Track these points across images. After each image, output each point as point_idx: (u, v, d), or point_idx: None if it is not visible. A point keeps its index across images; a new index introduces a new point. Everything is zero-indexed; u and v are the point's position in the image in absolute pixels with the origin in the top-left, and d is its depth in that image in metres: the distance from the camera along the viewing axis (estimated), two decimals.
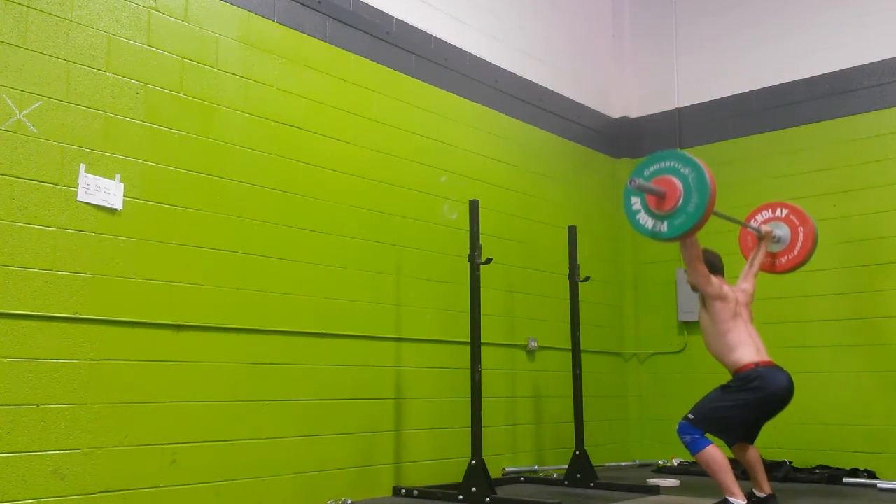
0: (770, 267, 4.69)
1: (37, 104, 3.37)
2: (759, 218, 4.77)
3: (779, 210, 4.72)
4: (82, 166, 3.48)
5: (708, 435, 3.95)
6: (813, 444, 5.67)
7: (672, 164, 3.86)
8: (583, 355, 5.35)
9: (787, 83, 6.24)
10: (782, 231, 4.67)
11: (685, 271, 4.18)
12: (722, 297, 4.11)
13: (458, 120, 5.48)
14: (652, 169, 3.94)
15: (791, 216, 4.67)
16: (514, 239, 5.75)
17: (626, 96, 7.14)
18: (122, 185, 3.61)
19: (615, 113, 7.09)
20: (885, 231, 5.63)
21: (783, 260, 4.68)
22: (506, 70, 5.96)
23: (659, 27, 7.08)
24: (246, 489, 3.89)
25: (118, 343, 3.52)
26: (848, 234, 5.77)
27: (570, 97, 6.57)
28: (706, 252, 4.23)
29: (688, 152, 3.93)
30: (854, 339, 5.66)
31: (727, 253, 4.55)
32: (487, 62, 5.80)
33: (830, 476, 5.28)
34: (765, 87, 6.36)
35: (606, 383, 6.48)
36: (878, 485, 5.07)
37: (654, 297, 6.71)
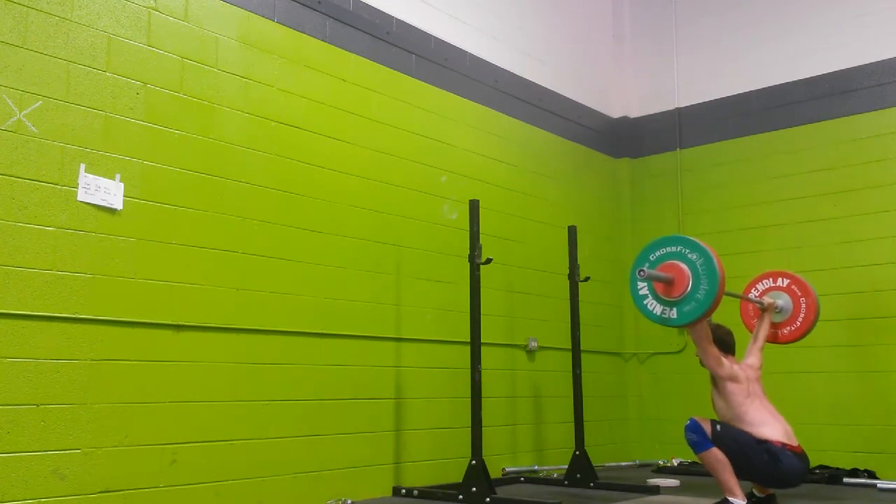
0: (773, 338, 4.69)
1: (37, 104, 3.37)
2: (760, 287, 4.78)
3: (780, 280, 4.73)
4: (82, 166, 3.48)
5: None
6: (813, 444, 5.64)
7: (679, 248, 3.85)
8: (583, 355, 5.34)
9: (787, 83, 6.24)
10: (784, 301, 4.68)
11: (696, 355, 4.12)
12: (734, 379, 4.06)
13: (458, 120, 5.48)
14: (658, 254, 3.92)
15: (792, 286, 4.68)
16: (514, 239, 5.75)
17: (626, 96, 7.14)
18: (122, 185, 3.61)
19: (615, 113, 7.09)
20: (885, 231, 5.63)
21: (786, 331, 4.69)
22: (506, 70, 5.96)
23: (659, 27, 7.08)
24: (246, 489, 3.89)
25: (118, 343, 3.52)
26: (848, 235, 5.77)
27: (570, 97, 6.57)
28: (718, 329, 4.19)
29: (694, 238, 3.91)
30: (854, 339, 5.66)
31: (731, 322, 4.49)
32: (487, 62, 5.80)
33: (830, 476, 5.28)
34: (765, 87, 6.36)
35: (606, 383, 6.48)
36: (878, 485, 5.07)
37: None
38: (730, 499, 3.87)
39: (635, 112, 7.11)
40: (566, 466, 5.16)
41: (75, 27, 3.53)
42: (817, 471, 5.45)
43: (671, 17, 7.01)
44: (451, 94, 5.46)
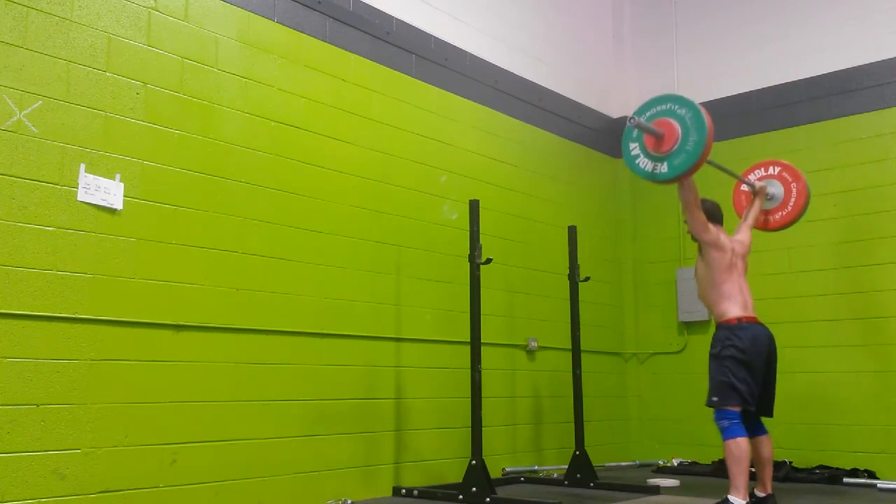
0: (763, 224, 4.74)
1: (37, 104, 3.37)
2: (753, 176, 4.81)
3: (772, 168, 4.77)
4: (82, 166, 3.48)
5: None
6: (813, 444, 5.67)
7: (669, 106, 3.90)
8: (583, 355, 5.35)
9: (787, 83, 6.24)
10: (776, 188, 4.72)
11: (684, 221, 4.21)
12: (719, 247, 4.16)
13: (458, 120, 5.48)
14: (650, 112, 3.96)
15: (784, 173, 4.72)
16: (514, 239, 5.75)
17: (626, 96, 7.13)
18: (122, 185, 3.61)
19: (615, 113, 7.08)
20: (885, 231, 5.63)
21: (777, 216, 4.73)
22: (506, 70, 5.96)
23: (659, 27, 7.08)
24: (246, 489, 3.89)
25: (118, 343, 3.52)
26: (848, 234, 5.77)
27: (570, 97, 6.57)
28: (705, 201, 4.27)
29: (685, 96, 3.94)
30: (854, 339, 5.66)
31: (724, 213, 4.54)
32: (487, 62, 5.80)
33: (830, 476, 5.28)
34: (765, 87, 6.36)
35: (606, 383, 6.48)
36: (878, 485, 5.07)
37: (654, 297, 6.71)
38: (730, 497, 3.87)
39: None
40: (566, 466, 5.17)
41: (75, 27, 3.54)
42: (817, 471, 5.45)
43: (671, 17, 7.01)
44: (451, 94, 5.46)
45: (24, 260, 3.26)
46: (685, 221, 4.21)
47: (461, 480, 4.34)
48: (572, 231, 5.40)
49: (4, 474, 3.10)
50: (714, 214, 4.30)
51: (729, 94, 6.53)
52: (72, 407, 3.34)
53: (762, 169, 4.80)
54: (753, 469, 4.17)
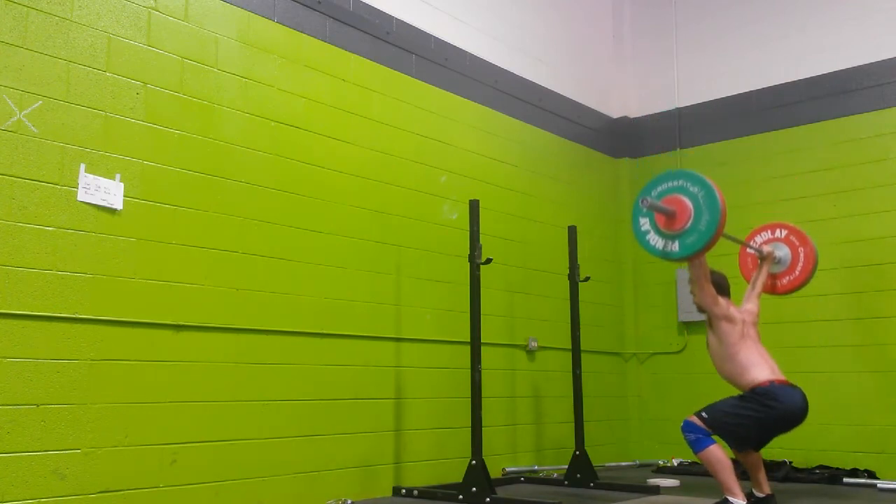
0: (771, 288, 4.68)
1: (37, 104, 3.37)
2: (759, 239, 4.77)
3: (778, 231, 4.72)
4: (82, 166, 3.48)
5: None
6: (813, 444, 5.66)
7: (681, 183, 3.84)
8: (583, 355, 5.35)
9: (787, 83, 6.24)
10: (783, 252, 4.67)
11: (691, 292, 4.16)
12: (729, 318, 4.09)
13: (458, 120, 5.48)
14: (660, 189, 3.91)
15: (791, 237, 4.67)
16: (514, 239, 5.75)
17: (625, 96, 7.14)
18: (122, 185, 3.61)
19: (615, 113, 7.09)
20: (884, 231, 5.63)
21: (784, 281, 4.67)
22: (506, 70, 5.96)
23: (659, 27, 7.08)
24: (246, 489, 3.89)
25: (118, 343, 3.52)
26: (848, 235, 5.77)
27: (570, 97, 6.57)
28: (713, 273, 4.22)
29: (696, 171, 3.91)
30: (854, 339, 5.66)
31: (730, 277, 4.50)
32: (487, 62, 5.80)
33: (830, 476, 5.28)
34: (765, 87, 6.36)
35: (606, 383, 6.48)
36: (878, 485, 5.07)
37: (654, 297, 6.71)
38: (730, 499, 3.87)
39: (635, 112, 7.11)
40: (566, 466, 5.17)
41: (75, 27, 3.54)
42: (817, 471, 5.45)
43: (671, 17, 7.01)
44: (451, 94, 5.46)
45: (24, 260, 3.26)
46: (692, 293, 4.16)
47: (461, 480, 4.34)
48: (572, 231, 5.40)
49: (4, 474, 3.10)
50: (722, 287, 4.23)
51: (729, 94, 6.54)
52: (72, 407, 3.34)
53: (768, 231, 4.75)
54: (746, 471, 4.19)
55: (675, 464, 6.02)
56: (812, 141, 6.04)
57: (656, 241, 3.89)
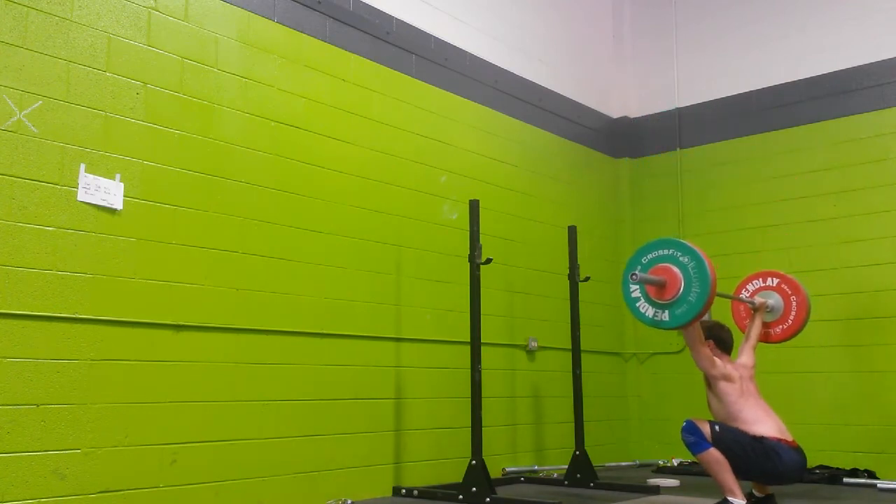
0: (764, 337, 4.68)
1: (37, 104, 3.37)
2: (751, 287, 4.78)
3: (770, 279, 4.73)
4: (82, 166, 3.48)
5: None
6: (813, 444, 5.64)
7: (671, 251, 3.88)
8: (583, 355, 5.34)
9: (787, 83, 6.24)
10: (775, 300, 4.68)
11: (691, 353, 4.13)
12: (727, 377, 4.08)
13: (458, 120, 5.48)
14: (650, 257, 3.95)
15: (782, 285, 4.68)
16: (514, 239, 5.75)
17: (625, 96, 7.14)
18: (122, 185, 3.61)
19: (615, 113, 7.09)
20: (885, 231, 5.63)
21: (777, 330, 4.68)
22: (506, 70, 5.96)
23: (659, 27, 7.08)
24: (246, 489, 3.89)
25: (118, 343, 3.52)
26: (847, 235, 5.77)
27: (570, 97, 6.57)
28: (714, 328, 4.23)
29: (687, 242, 3.93)
30: (853, 339, 5.66)
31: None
32: (487, 62, 5.80)
33: (830, 476, 5.28)
34: (765, 87, 6.36)
35: (606, 383, 6.48)
36: (878, 485, 5.07)
37: None
38: (730, 499, 3.87)
39: (635, 112, 7.11)
40: (566, 466, 5.16)
41: (75, 27, 3.53)
42: (817, 471, 5.45)
43: (671, 17, 7.01)
44: (451, 94, 5.46)
45: (24, 260, 3.26)
46: (687, 347, 4.14)
47: (461, 480, 4.34)
48: (572, 231, 5.40)
49: (4, 474, 3.10)
50: (725, 343, 4.23)
51: (729, 94, 6.54)
52: (72, 407, 3.34)
53: (760, 280, 4.76)
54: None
55: (675, 464, 6.01)
56: (812, 141, 6.04)
57: (647, 309, 3.93)
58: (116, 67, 3.67)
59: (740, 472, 3.95)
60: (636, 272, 3.86)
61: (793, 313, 4.63)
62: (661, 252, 3.92)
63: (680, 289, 3.79)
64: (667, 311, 3.84)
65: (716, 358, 4.10)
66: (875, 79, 5.83)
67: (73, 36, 3.52)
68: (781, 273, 4.76)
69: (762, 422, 4.00)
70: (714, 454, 3.88)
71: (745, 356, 4.37)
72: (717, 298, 3.83)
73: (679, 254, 3.85)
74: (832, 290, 5.76)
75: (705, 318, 4.20)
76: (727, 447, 3.91)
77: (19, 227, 3.27)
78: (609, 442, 6.35)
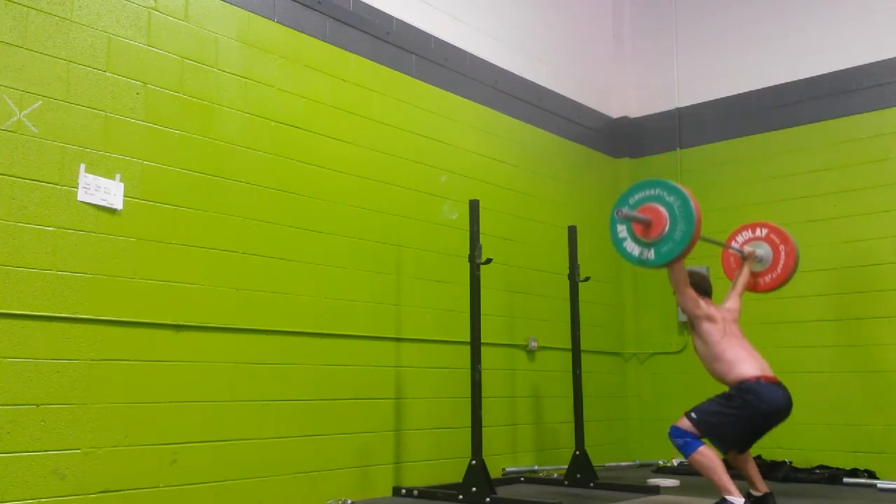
0: (753, 286, 4.72)
1: (37, 104, 3.37)
2: (740, 238, 4.81)
3: (759, 230, 4.76)
4: (82, 166, 3.48)
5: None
6: (813, 444, 5.67)
7: (657, 192, 3.93)
8: (583, 355, 5.34)
9: (787, 83, 6.24)
10: (764, 251, 4.71)
11: (675, 295, 4.20)
12: (710, 318, 4.14)
13: (458, 120, 5.48)
14: (637, 197, 4.01)
15: (771, 235, 4.71)
16: (514, 239, 5.75)
17: (625, 96, 7.14)
18: (122, 185, 3.61)
19: (615, 113, 7.09)
20: (884, 231, 5.63)
21: (766, 279, 4.71)
22: (506, 70, 5.96)
23: (659, 27, 7.08)
24: (246, 489, 3.89)
25: (118, 343, 3.52)
26: (847, 235, 5.77)
27: (570, 97, 6.57)
28: (694, 274, 4.29)
29: (672, 181, 3.97)
30: (854, 339, 5.66)
31: (713, 275, 4.54)
32: (487, 62, 5.80)
33: (830, 476, 5.28)
34: (765, 87, 6.36)
35: (606, 383, 6.48)
36: (878, 485, 5.07)
37: (654, 297, 6.71)
38: (728, 498, 3.87)
39: (635, 112, 7.11)
40: (566, 466, 5.16)
41: (75, 27, 3.54)
42: (817, 471, 5.45)
43: (671, 17, 7.01)
44: (451, 94, 5.46)
45: (24, 260, 3.26)
46: (677, 302, 4.21)
47: (461, 480, 4.34)
48: (572, 231, 5.40)
49: (4, 474, 3.10)
50: (703, 288, 4.29)
51: (729, 94, 6.54)
52: (72, 407, 3.34)
53: (749, 231, 4.79)
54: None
55: (675, 464, 6.01)
56: (812, 141, 6.04)
57: (633, 248, 3.99)
58: (116, 67, 3.67)
59: (735, 440, 3.96)
60: (621, 209, 3.91)
61: (781, 262, 4.66)
62: (647, 192, 3.97)
63: (665, 227, 3.85)
64: (652, 250, 3.91)
65: (699, 300, 4.17)
66: (875, 79, 5.83)
67: (73, 36, 3.52)
68: (769, 223, 4.78)
69: (744, 361, 4.04)
70: (705, 453, 3.88)
71: (731, 301, 4.44)
72: (708, 248, 3.85)
73: (665, 193, 3.90)
74: (832, 290, 5.76)
75: (701, 269, 4.24)
76: (711, 424, 3.93)
77: (19, 227, 3.27)
78: (609, 442, 6.35)
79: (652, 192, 3.95)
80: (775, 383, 3.99)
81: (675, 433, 3.98)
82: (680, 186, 3.90)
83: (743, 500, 3.88)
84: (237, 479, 3.86)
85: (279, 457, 4.06)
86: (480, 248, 4.52)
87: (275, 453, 4.05)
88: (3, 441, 3.12)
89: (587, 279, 5.46)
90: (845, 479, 5.24)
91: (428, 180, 5.15)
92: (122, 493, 3.43)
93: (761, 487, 4.16)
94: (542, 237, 5.97)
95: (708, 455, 3.89)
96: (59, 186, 3.40)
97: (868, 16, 5.94)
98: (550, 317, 5.87)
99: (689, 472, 5.68)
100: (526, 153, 6.03)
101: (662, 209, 3.88)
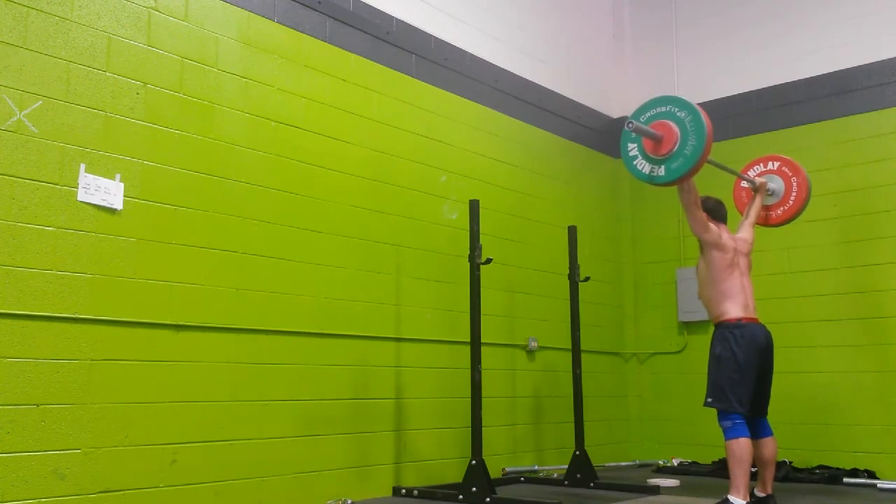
0: (765, 220, 4.73)
1: (37, 104, 3.37)
2: (752, 172, 4.80)
3: (771, 163, 4.76)
4: (82, 166, 3.48)
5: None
6: (813, 444, 5.67)
7: (669, 108, 3.89)
8: (583, 355, 5.35)
9: (787, 83, 6.24)
10: (776, 184, 4.71)
11: (686, 216, 4.20)
12: (720, 246, 4.14)
13: (458, 120, 5.48)
14: (649, 114, 3.96)
15: (783, 168, 4.71)
16: (514, 239, 5.75)
17: (626, 96, 7.13)
18: (122, 185, 3.61)
19: (615, 113, 7.08)
20: (884, 231, 5.63)
21: (778, 212, 4.72)
22: (506, 70, 5.96)
23: (659, 27, 7.08)
24: (246, 489, 3.89)
25: (118, 343, 3.52)
26: (848, 234, 5.77)
27: (570, 97, 6.57)
28: (709, 199, 4.28)
29: (685, 98, 3.94)
30: (854, 339, 5.66)
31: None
32: (487, 62, 5.80)
33: (830, 476, 5.29)
34: (765, 87, 6.36)
35: (606, 383, 6.48)
36: (878, 485, 5.07)
37: (654, 297, 6.71)
38: (730, 497, 3.87)
39: None
40: (566, 466, 5.16)
41: (75, 27, 3.54)
42: (817, 471, 5.45)
43: (671, 17, 7.01)
44: (451, 94, 5.46)
45: (24, 260, 3.26)
46: (687, 219, 4.20)
47: (461, 480, 4.35)
48: (572, 231, 5.40)
49: (4, 474, 3.10)
50: (718, 213, 4.30)
51: (729, 94, 6.53)
52: (72, 407, 3.34)
53: (761, 164, 4.79)
54: (755, 469, 4.18)
55: (675, 464, 6.02)
56: (812, 141, 6.04)
57: (643, 165, 3.95)
58: (116, 67, 3.67)
59: (742, 390, 3.96)
60: (632, 121, 3.86)
61: (793, 194, 4.65)
62: (658, 109, 3.93)
63: (676, 142, 3.80)
64: (663, 166, 3.86)
65: (711, 224, 4.16)
66: (875, 79, 5.83)
67: (73, 36, 3.52)
68: (781, 156, 4.77)
69: (734, 298, 4.09)
70: (742, 445, 3.88)
71: (745, 231, 4.44)
72: (719, 186, 3.77)
73: (676, 109, 3.86)
74: (832, 291, 5.76)
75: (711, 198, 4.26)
76: (718, 387, 4.00)
77: (19, 227, 3.27)
78: (609, 442, 6.35)
79: (664, 108, 3.90)
80: (754, 322, 4.08)
81: (724, 416, 3.98)
82: (692, 102, 3.85)
83: (746, 501, 3.88)
84: (237, 479, 3.86)
85: (279, 457, 4.06)
86: (480, 248, 4.52)
87: (275, 453, 4.05)
88: (3, 441, 3.12)
89: (587, 279, 5.46)
90: (845, 479, 5.24)
91: (428, 180, 5.15)
92: (122, 493, 3.43)
93: (768, 489, 4.17)
94: (542, 237, 5.97)
95: (744, 448, 3.88)
96: (59, 186, 3.40)
97: (868, 16, 5.94)
98: (550, 317, 5.87)
99: (689, 472, 5.69)
100: (526, 153, 6.03)
101: (674, 125, 3.83)
